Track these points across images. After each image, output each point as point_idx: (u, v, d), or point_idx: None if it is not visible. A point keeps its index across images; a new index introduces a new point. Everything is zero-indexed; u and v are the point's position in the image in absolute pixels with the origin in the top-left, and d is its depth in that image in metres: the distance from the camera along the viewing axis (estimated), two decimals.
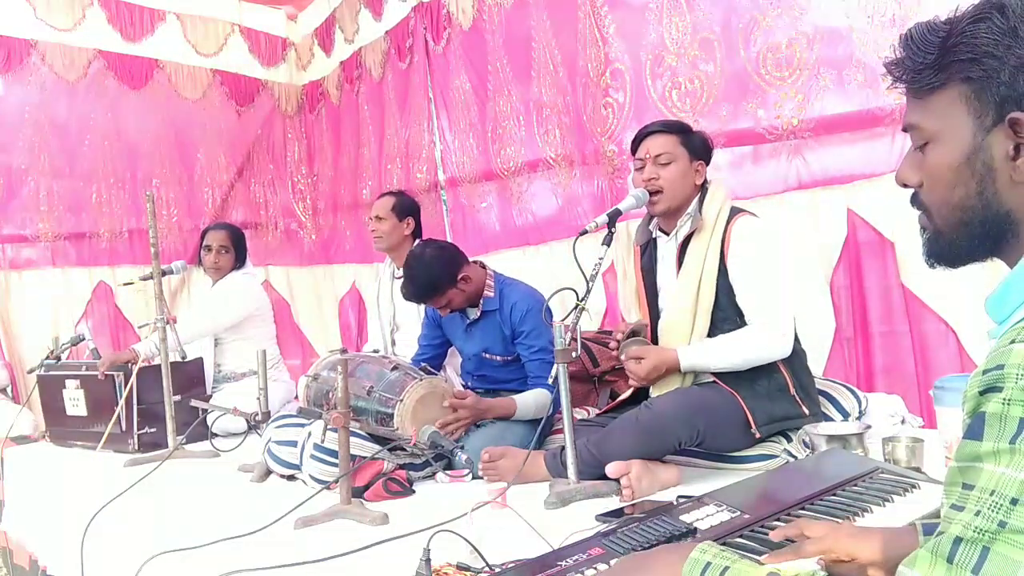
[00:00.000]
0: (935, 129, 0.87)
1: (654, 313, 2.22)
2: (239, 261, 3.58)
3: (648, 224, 2.26)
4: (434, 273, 2.45)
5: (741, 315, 2.04)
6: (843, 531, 1.12)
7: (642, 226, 2.28)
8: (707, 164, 2.18)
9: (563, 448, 1.93)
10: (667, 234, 2.20)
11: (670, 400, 1.96)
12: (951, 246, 0.90)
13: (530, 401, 2.37)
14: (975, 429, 0.73)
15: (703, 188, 2.15)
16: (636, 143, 2.18)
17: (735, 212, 2.11)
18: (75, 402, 3.00)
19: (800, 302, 2.52)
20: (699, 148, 2.16)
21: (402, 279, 2.53)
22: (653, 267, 2.25)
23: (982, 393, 0.73)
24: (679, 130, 2.16)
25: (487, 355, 2.57)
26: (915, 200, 0.93)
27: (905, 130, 0.91)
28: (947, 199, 0.87)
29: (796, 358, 2.08)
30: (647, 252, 2.28)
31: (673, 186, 2.10)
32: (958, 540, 0.72)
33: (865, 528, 1.15)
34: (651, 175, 2.10)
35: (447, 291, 2.46)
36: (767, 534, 1.24)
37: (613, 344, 2.12)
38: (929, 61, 0.85)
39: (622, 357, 2.06)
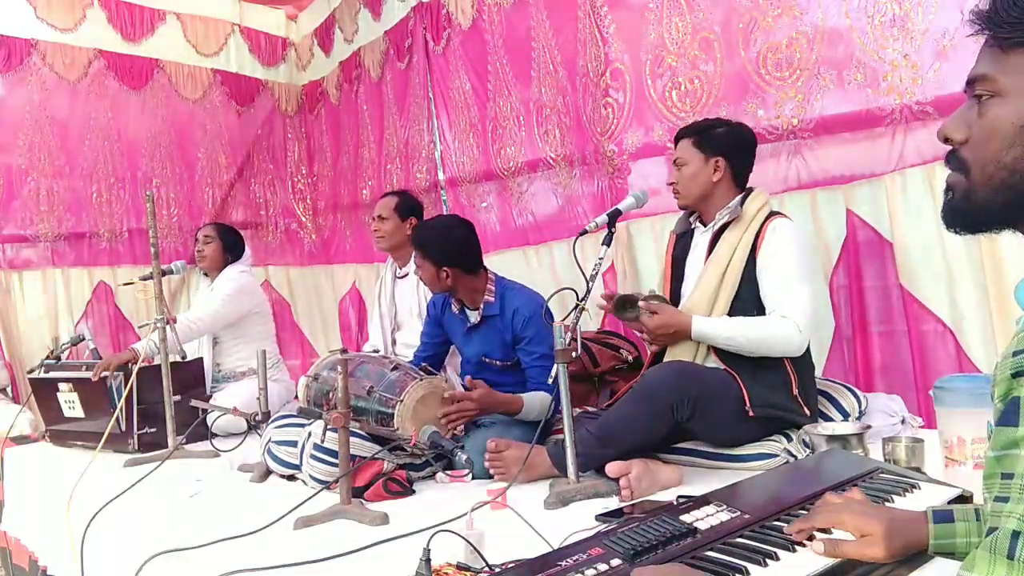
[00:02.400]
0: (1009, 84, 0.83)
1: (675, 300, 2.28)
2: (230, 253, 3.58)
3: (689, 215, 2.35)
4: (451, 232, 2.53)
5: (760, 310, 2.09)
6: (856, 507, 1.15)
7: (683, 216, 2.38)
8: (735, 155, 2.23)
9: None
10: (705, 226, 2.28)
11: (664, 366, 2.03)
12: (981, 208, 0.86)
13: (535, 402, 2.38)
14: (1009, 415, 0.70)
15: (748, 190, 2.24)
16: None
17: (773, 213, 2.19)
18: (71, 404, 2.99)
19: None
20: (717, 145, 2.23)
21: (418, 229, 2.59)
22: (684, 256, 2.32)
23: (1014, 376, 0.70)
24: (696, 132, 2.27)
25: (487, 359, 2.57)
26: (953, 158, 0.89)
27: (971, 82, 0.87)
28: (998, 157, 0.83)
29: (805, 364, 2.11)
30: (682, 241, 2.36)
31: (686, 186, 2.24)
32: (1016, 534, 0.68)
33: (877, 507, 1.18)
34: (672, 179, 2.28)
35: (430, 254, 2.48)
36: (767, 534, 1.24)
37: (607, 304, 2.16)
38: None
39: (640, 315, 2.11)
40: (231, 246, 3.60)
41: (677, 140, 2.30)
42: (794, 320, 2.00)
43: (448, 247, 2.50)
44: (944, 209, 0.89)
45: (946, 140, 0.89)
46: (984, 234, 0.88)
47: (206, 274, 3.72)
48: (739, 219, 2.17)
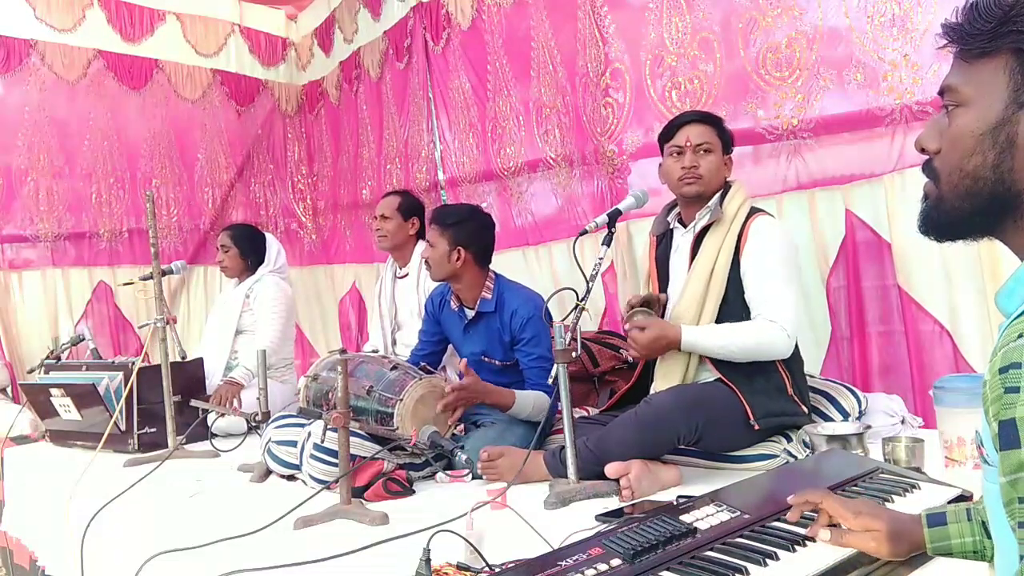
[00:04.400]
0: (970, 94, 0.85)
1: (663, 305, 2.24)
2: (249, 257, 3.57)
3: (667, 215, 2.30)
4: (477, 216, 2.56)
5: (748, 312, 2.06)
6: (861, 506, 1.17)
7: (660, 217, 2.31)
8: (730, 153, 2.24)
9: (563, 447, 1.93)
10: (685, 226, 2.23)
11: (669, 395, 1.98)
12: (950, 215, 0.87)
13: (529, 399, 2.37)
14: (1010, 437, 0.69)
15: (727, 184, 2.19)
16: (672, 130, 2.19)
17: (754, 211, 2.14)
18: (66, 408, 2.99)
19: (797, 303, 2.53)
20: (728, 142, 2.21)
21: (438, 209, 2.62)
22: (667, 257, 2.27)
23: (1007, 392, 0.70)
24: (716, 121, 2.20)
25: (486, 358, 2.56)
26: (927, 167, 0.90)
27: (941, 93, 0.89)
28: (961, 166, 0.85)
29: (795, 363, 2.10)
30: (663, 243, 2.31)
31: (711, 175, 2.14)
32: None
33: (882, 508, 1.19)
34: (693, 163, 2.13)
35: (449, 231, 2.47)
36: (767, 534, 1.24)
37: (625, 310, 2.15)
38: (987, 28, 0.83)
39: (626, 327, 2.08)
40: (250, 249, 3.57)
41: (689, 122, 2.17)
42: (781, 324, 1.98)
43: (470, 227, 2.49)
44: (919, 217, 0.91)
45: (922, 150, 0.90)
46: (963, 241, 0.89)
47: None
48: (720, 220, 2.11)
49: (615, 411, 2.23)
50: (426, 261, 2.55)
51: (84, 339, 3.50)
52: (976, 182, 0.84)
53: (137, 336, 4.61)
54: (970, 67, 0.85)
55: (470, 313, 2.56)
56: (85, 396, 2.91)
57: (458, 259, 2.47)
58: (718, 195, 2.16)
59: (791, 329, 1.99)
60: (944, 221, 0.88)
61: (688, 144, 2.14)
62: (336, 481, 1.85)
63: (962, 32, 0.85)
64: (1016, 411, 0.69)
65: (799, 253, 2.25)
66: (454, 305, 2.60)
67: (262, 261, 3.60)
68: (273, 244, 3.67)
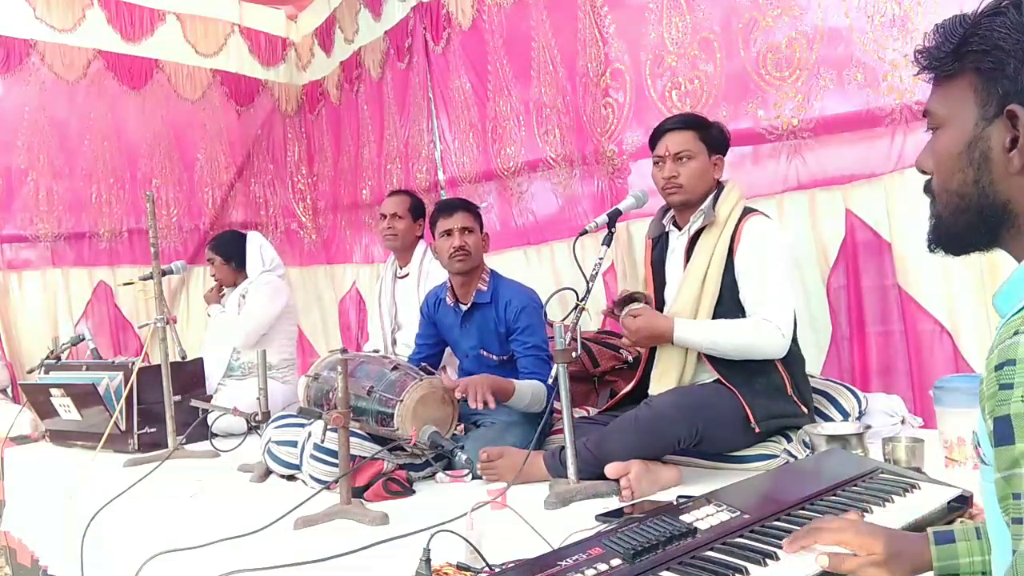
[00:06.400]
0: (944, 115, 0.90)
1: (660, 305, 2.24)
2: (234, 261, 3.57)
3: (662, 218, 2.29)
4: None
5: (743, 314, 2.06)
6: (861, 526, 1.13)
7: (656, 219, 2.31)
8: (725, 154, 2.22)
9: (562, 448, 1.93)
10: (680, 228, 2.23)
11: (669, 399, 1.97)
12: (949, 232, 0.92)
13: (527, 388, 2.35)
14: (1004, 433, 0.70)
15: (719, 185, 2.18)
16: (655, 139, 2.19)
17: (748, 211, 2.13)
18: (66, 408, 2.99)
19: (798, 303, 2.53)
20: (717, 142, 2.19)
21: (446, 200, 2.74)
22: (663, 260, 2.27)
23: (1002, 388, 0.71)
24: (697, 125, 2.18)
25: (484, 352, 2.56)
26: (927, 187, 0.94)
27: (924, 115, 0.94)
28: (947, 186, 0.90)
29: (795, 363, 2.09)
30: (659, 245, 2.31)
31: (692, 183, 2.13)
32: None
33: (881, 528, 1.16)
34: (671, 172, 2.13)
35: (479, 218, 2.59)
36: (767, 534, 1.24)
37: (608, 306, 2.15)
38: (949, 49, 0.87)
39: (621, 316, 2.08)
40: (232, 252, 3.58)
41: (667, 131, 2.16)
42: (776, 323, 1.97)
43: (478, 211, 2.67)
44: (927, 236, 0.95)
45: (922, 171, 0.94)
46: (974, 253, 0.93)
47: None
48: (713, 222, 2.11)
49: (615, 411, 2.23)
50: (461, 249, 2.48)
51: (84, 339, 3.50)
52: (962, 199, 0.88)
53: (137, 336, 4.61)
54: (942, 90, 0.90)
55: (465, 307, 2.56)
56: (85, 396, 2.91)
57: (485, 245, 2.58)
58: (711, 197, 2.15)
59: (786, 329, 1.99)
60: (946, 238, 0.93)
61: (667, 154, 2.13)
62: (336, 481, 1.85)
63: (931, 56, 0.90)
64: (1011, 407, 0.70)
65: (795, 252, 2.25)
66: (450, 300, 2.60)
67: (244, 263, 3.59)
68: (254, 240, 3.62)
